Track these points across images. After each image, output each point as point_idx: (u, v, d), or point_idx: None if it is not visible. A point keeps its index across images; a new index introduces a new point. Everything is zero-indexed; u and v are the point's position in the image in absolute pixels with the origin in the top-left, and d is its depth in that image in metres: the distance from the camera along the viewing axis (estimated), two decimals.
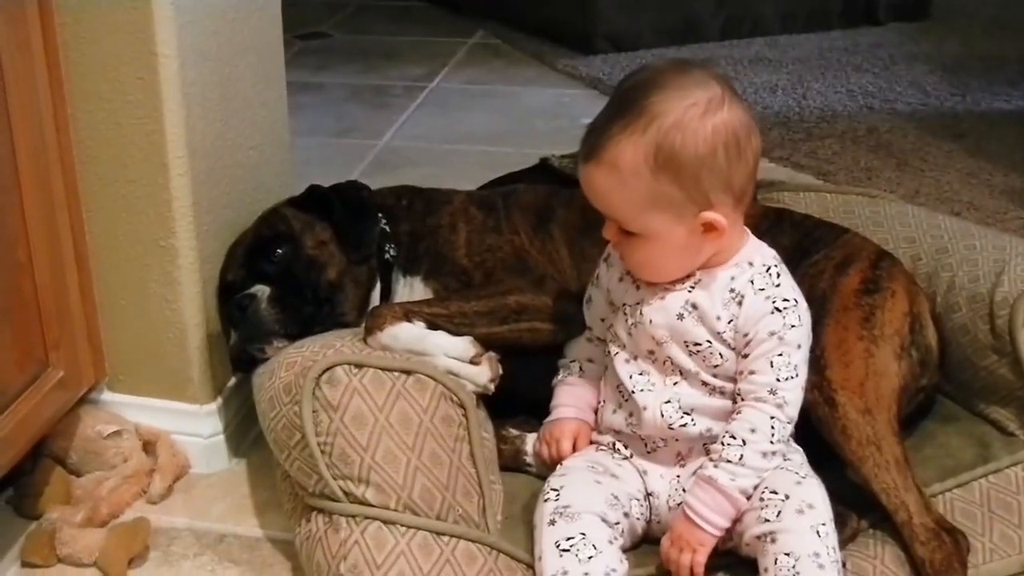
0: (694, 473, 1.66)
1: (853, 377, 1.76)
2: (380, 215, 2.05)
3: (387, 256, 2.01)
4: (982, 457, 1.86)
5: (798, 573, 1.52)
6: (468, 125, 3.90)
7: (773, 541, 1.56)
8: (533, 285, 1.91)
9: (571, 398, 1.82)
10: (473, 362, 1.82)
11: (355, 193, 2.07)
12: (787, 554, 1.54)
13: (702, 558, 1.61)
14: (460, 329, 1.84)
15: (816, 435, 1.74)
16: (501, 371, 1.84)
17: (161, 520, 1.94)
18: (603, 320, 1.80)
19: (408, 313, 1.85)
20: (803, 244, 1.98)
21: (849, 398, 1.74)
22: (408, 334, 1.82)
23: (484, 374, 1.83)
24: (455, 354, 1.82)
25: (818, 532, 1.55)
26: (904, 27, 5.02)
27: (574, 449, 1.78)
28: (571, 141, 3.30)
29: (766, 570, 1.55)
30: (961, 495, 1.81)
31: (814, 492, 1.61)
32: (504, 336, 1.87)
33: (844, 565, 1.67)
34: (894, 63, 4.51)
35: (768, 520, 1.57)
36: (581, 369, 1.84)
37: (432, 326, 1.84)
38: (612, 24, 4.64)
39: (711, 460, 1.62)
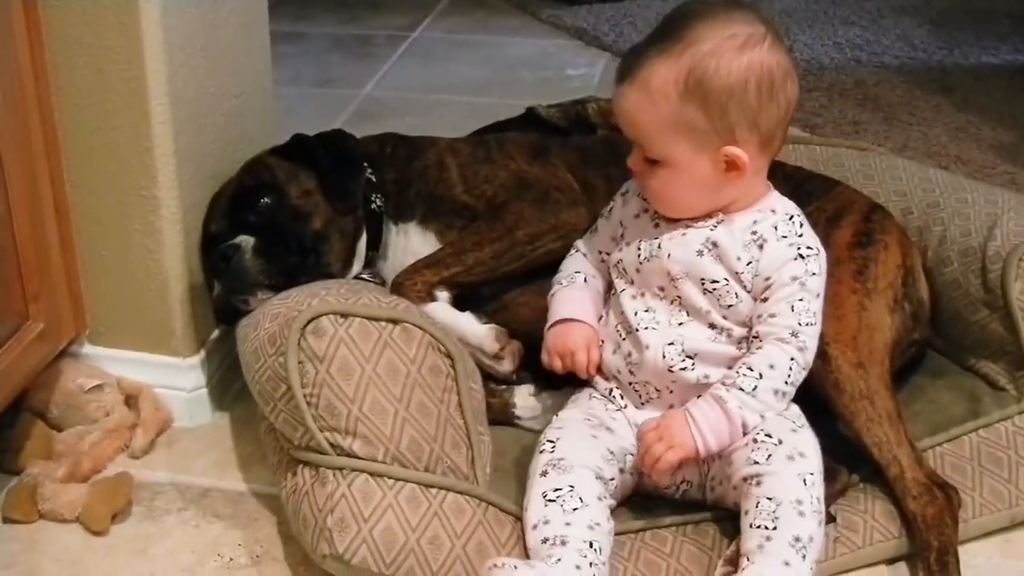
0: None
1: (846, 330, 1.76)
2: (365, 164, 2.01)
3: (373, 206, 1.98)
4: (972, 412, 1.87)
5: (777, 518, 1.52)
6: (451, 75, 3.86)
7: (758, 484, 1.55)
8: (537, 207, 1.90)
9: (578, 297, 1.79)
10: (498, 356, 1.85)
11: (341, 142, 2.04)
12: (769, 498, 1.53)
13: (673, 458, 1.60)
14: (483, 277, 1.88)
15: (804, 389, 1.72)
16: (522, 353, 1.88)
17: (144, 475, 1.92)
18: (601, 254, 1.80)
19: (431, 288, 1.87)
20: (795, 196, 1.94)
21: (842, 351, 1.74)
22: (437, 317, 1.83)
23: (506, 365, 1.87)
24: (479, 346, 1.85)
25: (804, 480, 1.55)
26: None
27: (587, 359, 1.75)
28: (556, 91, 3.31)
29: (747, 512, 1.55)
30: (951, 450, 1.81)
31: (807, 442, 1.61)
32: (524, 268, 1.89)
33: (835, 519, 1.67)
34: (882, 16, 4.48)
35: (757, 462, 1.57)
36: (586, 280, 1.81)
37: (457, 286, 1.88)
38: None
39: (724, 384, 1.62)
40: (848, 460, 1.74)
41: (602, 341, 1.76)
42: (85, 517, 1.80)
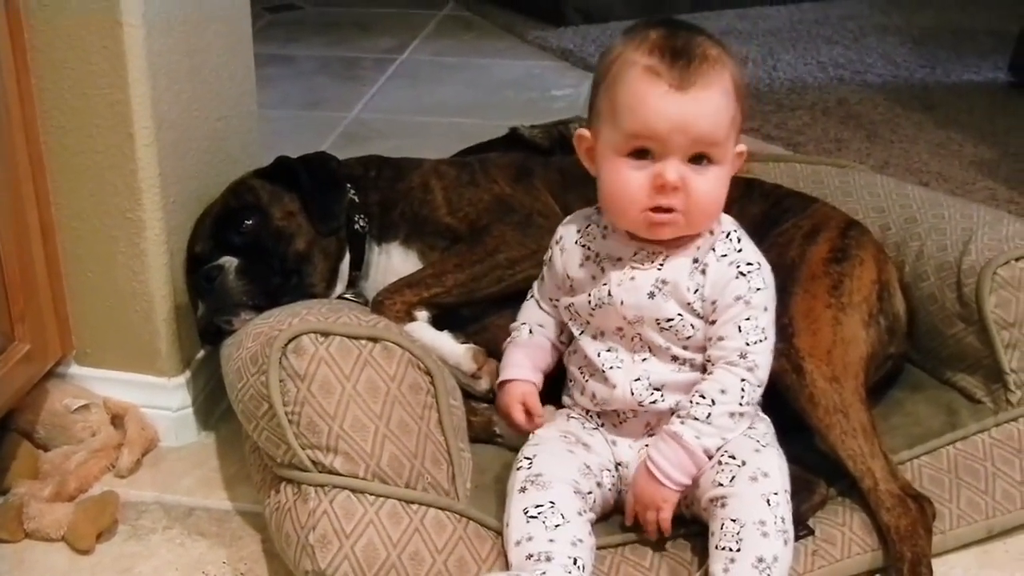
0: None
1: (821, 345, 1.77)
2: (349, 186, 2.04)
3: (357, 227, 2.00)
4: (950, 424, 1.88)
5: (741, 540, 1.53)
6: (439, 97, 3.88)
7: (723, 506, 1.56)
8: (519, 231, 1.93)
9: (517, 359, 1.83)
10: (475, 375, 1.88)
11: (323, 165, 2.06)
12: (733, 520, 1.54)
13: (667, 514, 1.63)
14: (463, 298, 1.91)
15: (784, 403, 1.74)
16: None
17: (130, 494, 1.93)
18: (552, 300, 1.82)
19: (410, 307, 1.89)
20: (772, 213, 1.98)
21: (816, 366, 1.75)
22: (416, 336, 1.85)
23: (483, 384, 1.89)
24: (457, 365, 1.88)
25: (768, 501, 1.55)
26: None
27: (529, 413, 1.78)
28: (542, 112, 3.34)
29: (712, 534, 1.56)
30: (929, 462, 1.83)
31: (771, 461, 1.60)
32: (504, 291, 1.91)
33: (813, 532, 1.69)
34: (864, 35, 4.52)
35: (721, 484, 1.58)
36: (531, 332, 1.84)
37: (436, 307, 1.90)
38: None
39: (678, 417, 1.63)
40: (826, 473, 1.75)
41: (570, 381, 1.78)
42: (71, 536, 1.81)
